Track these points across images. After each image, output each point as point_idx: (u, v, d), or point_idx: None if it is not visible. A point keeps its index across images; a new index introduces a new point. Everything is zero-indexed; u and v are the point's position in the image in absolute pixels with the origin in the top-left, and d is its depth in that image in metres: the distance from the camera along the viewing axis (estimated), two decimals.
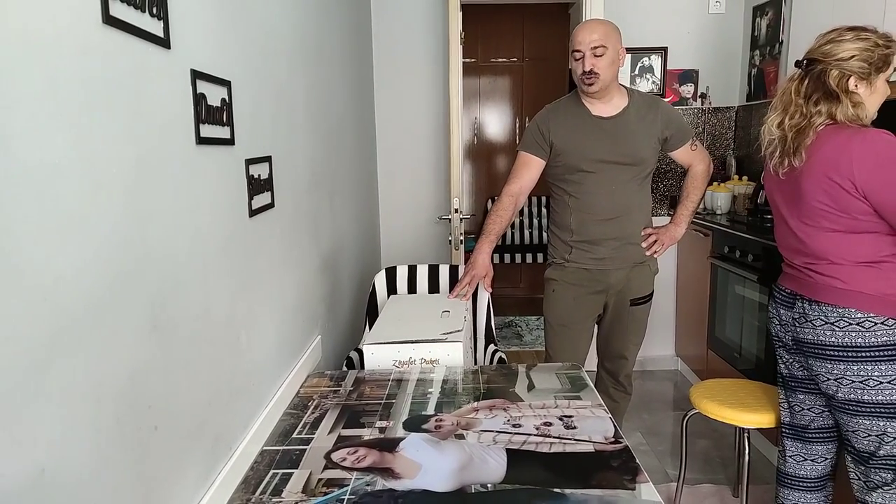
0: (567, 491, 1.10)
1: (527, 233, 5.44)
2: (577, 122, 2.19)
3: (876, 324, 1.56)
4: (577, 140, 2.18)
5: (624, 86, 2.25)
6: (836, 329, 1.61)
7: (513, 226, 5.43)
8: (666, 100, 3.31)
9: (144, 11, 0.90)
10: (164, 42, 0.97)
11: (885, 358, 1.56)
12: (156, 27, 0.94)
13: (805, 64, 1.66)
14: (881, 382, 1.57)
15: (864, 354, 1.58)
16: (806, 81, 1.66)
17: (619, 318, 2.34)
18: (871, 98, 1.62)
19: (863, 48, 1.58)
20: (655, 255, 2.28)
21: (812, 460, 1.86)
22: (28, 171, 0.69)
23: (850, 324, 1.58)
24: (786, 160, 1.67)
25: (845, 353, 1.60)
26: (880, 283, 1.57)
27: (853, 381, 1.60)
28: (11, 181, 0.66)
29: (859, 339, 1.58)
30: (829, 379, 1.65)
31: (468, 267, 2.19)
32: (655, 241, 2.29)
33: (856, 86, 1.60)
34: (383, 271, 2.43)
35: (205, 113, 1.13)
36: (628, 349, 2.38)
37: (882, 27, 1.65)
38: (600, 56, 2.06)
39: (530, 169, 2.25)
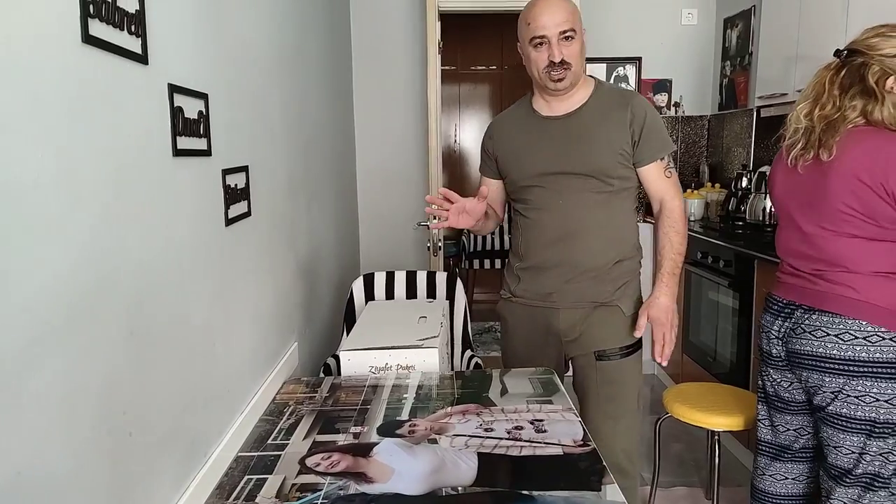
0: (535, 493, 1.13)
1: (506, 238, 5.48)
2: (521, 131, 1.81)
3: (884, 339, 1.48)
4: (518, 153, 1.80)
5: (593, 77, 1.82)
6: (840, 342, 1.53)
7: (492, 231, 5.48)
8: None
9: (123, 29, 0.92)
10: (141, 58, 0.99)
11: (887, 375, 1.49)
12: (134, 44, 0.96)
13: (845, 54, 1.54)
14: (878, 400, 1.50)
15: (865, 369, 1.50)
16: (843, 72, 1.54)
17: (585, 377, 1.81)
18: None
19: None
20: (663, 360, 1.73)
21: (793, 478, 1.78)
22: (7, 184, 0.71)
23: (856, 337, 1.51)
24: (810, 152, 1.56)
25: (846, 367, 1.52)
26: (895, 296, 1.49)
27: (849, 396, 1.53)
28: None
29: (863, 354, 1.49)
30: (825, 392, 1.57)
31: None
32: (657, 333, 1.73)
33: (892, 86, 1.49)
34: (361, 278, 2.45)
35: (182, 125, 1.15)
36: (603, 422, 1.78)
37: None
38: (571, 41, 1.65)
39: (489, 189, 1.84)
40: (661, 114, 3.72)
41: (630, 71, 3.68)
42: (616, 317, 1.77)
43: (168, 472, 1.09)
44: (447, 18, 3.50)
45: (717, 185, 3.57)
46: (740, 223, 3.17)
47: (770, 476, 1.80)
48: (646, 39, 3.66)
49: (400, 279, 2.46)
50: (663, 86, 3.71)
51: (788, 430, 1.75)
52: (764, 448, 1.81)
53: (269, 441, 1.35)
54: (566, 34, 1.63)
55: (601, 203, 1.74)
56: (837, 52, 1.57)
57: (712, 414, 2.09)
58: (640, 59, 3.66)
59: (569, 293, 1.76)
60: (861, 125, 1.51)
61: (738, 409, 2.09)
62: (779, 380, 1.72)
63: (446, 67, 5.05)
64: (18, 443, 0.73)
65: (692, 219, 3.50)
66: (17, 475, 0.72)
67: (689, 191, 3.59)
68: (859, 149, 1.49)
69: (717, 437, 2.20)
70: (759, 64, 3.11)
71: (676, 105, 3.73)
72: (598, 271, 1.75)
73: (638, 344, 1.79)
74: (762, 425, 1.81)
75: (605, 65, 3.59)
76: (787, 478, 1.78)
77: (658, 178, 1.75)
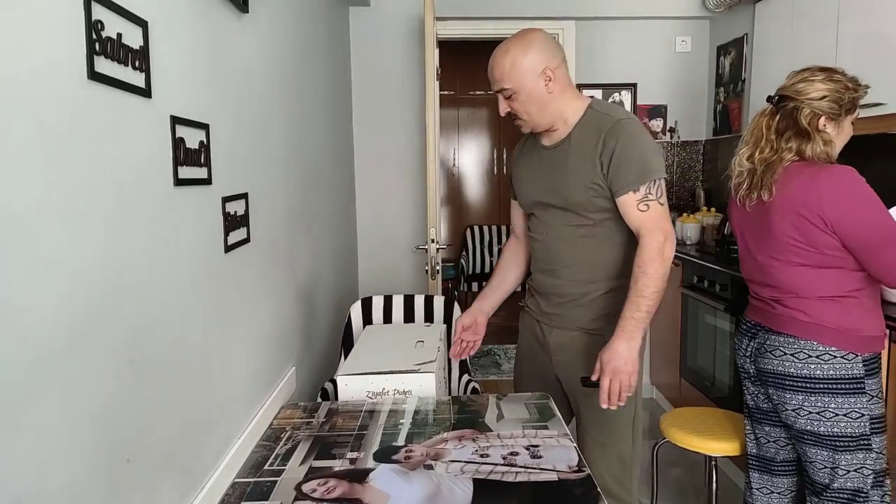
0: None
1: None
2: (526, 158, 1.84)
3: (836, 357, 1.61)
4: (521, 179, 1.84)
5: (591, 98, 1.77)
6: (796, 360, 1.65)
7: (490, 252, 5.50)
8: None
9: (127, 65, 0.95)
10: (145, 92, 1.02)
11: (842, 390, 1.61)
12: (138, 79, 0.99)
13: (777, 100, 1.70)
14: (836, 415, 1.62)
15: (821, 386, 1.62)
16: (777, 117, 1.69)
17: (573, 401, 1.82)
18: (838, 138, 1.68)
19: (833, 89, 1.63)
20: (615, 405, 1.61)
21: (779, 493, 1.87)
22: (10, 214, 0.73)
23: (810, 356, 1.63)
24: (754, 193, 1.71)
25: (804, 384, 1.64)
26: (842, 318, 1.62)
27: (810, 412, 1.65)
28: None
29: (818, 371, 1.62)
30: (788, 409, 1.69)
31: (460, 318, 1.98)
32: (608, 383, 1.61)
33: (824, 125, 1.65)
34: (359, 302, 2.47)
35: (183, 156, 1.18)
36: (591, 447, 1.78)
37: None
38: (510, 98, 1.64)
39: (516, 211, 1.96)
40: (656, 139, 3.76)
41: (626, 97, 3.73)
42: (601, 345, 1.67)
43: (165, 498, 1.10)
44: (446, 44, 3.56)
45: (713, 209, 3.60)
46: (735, 247, 3.19)
47: (758, 490, 1.91)
48: (641, 66, 3.72)
49: (398, 303, 2.48)
50: (658, 111, 3.76)
51: (769, 441, 1.86)
52: (752, 462, 1.92)
53: (265, 467, 1.36)
54: (503, 92, 1.64)
55: (584, 236, 1.71)
56: (770, 98, 1.72)
57: (709, 439, 2.08)
58: (635, 84, 3.72)
59: (559, 316, 1.81)
60: (795, 161, 1.66)
61: (735, 433, 2.09)
62: (755, 392, 1.85)
63: (445, 92, 5.12)
64: (18, 469, 0.74)
65: (688, 242, 3.51)
66: (16, 503, 0.73)
67: (685, 215, 3.62)
68: (795, 183, 1.64)
69: (714, 463, 2.20)
70: (751, 91, 3.15)
71: (672, 130, 3.77)
72: (583, 299, 1.75)
73: None
74: (748, 439, 1.93)
75: (601, 91, 3.66)
76: (773, 492, 1.89)
77: (631, 211, 1.62)
